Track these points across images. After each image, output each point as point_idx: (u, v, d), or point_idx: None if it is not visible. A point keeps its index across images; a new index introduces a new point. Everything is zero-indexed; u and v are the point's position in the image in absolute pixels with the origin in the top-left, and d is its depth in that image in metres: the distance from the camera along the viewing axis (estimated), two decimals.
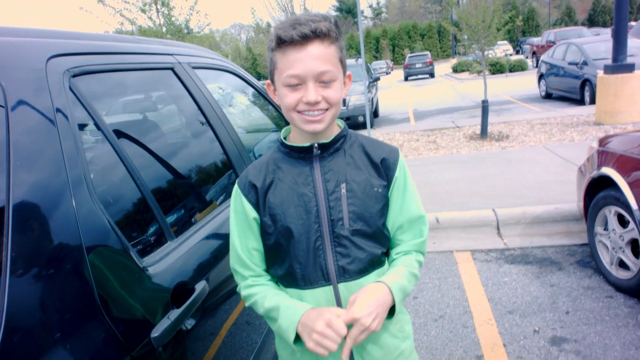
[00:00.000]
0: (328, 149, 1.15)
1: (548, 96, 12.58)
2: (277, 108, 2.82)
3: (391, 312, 1.12)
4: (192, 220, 1.54)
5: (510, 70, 22.30)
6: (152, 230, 1.30)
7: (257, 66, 32.55)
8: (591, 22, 50.35)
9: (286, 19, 1.07)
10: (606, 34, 14.89)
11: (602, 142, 3.37)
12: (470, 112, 12.06)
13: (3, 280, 0.81)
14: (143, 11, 9.05)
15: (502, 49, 31.38)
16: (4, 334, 0.78)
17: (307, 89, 1.04)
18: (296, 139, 1.17)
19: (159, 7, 9.19)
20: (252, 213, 1.16)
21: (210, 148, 1.84)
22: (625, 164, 2.94)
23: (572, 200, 4.20)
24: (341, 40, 1.10)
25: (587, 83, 10.13)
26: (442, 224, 4.38)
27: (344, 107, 10.48)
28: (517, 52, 39.14)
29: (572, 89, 10.92)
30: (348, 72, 1.15)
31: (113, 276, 1.02)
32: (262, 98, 2.82)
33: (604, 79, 7.76)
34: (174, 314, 1.14)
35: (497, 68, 22.13)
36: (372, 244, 1.16)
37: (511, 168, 5.85)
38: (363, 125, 9.67)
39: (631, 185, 2.82)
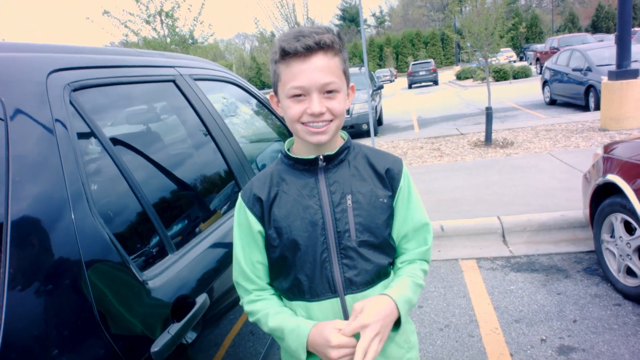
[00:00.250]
0: (333, 161, 1.15)
1: (552, 102, 12.56)
2: (279, 118, 2.82)
3: (397, 324, 1.11)
4: (194, 232, 1.54)
5: (514, 77, 22.26)
6: (152, 243, 1.30)
7: (261, 75, 32.79)
8: (595, 28, 50.29)
9: (289, 31, 1.08)
10: (610, 40, 14.86)
11: (607, 148, 3.34)
12: (474, 119, 12.04)
13: (1, 295, 0.81)
14: (147, 22, 9.12)
15: (505, 56, 31.41)
16: (2, 350, 0.77)
17: (312, 100, 1.05)
18: (300, 151, 1.17)
19: (163, 18, 9.26)
20: (257, 226, 1.16)
21: (212, 159, 1.84)
22: (631, 170, 2.92)
23: (578, 207, 4.16)
24: (344, 52, 1.11)
25: (591, 89, 10.11)
26: (447, 232, 4.35)
27: (348, 115, 10.52)
28: (521, 59, 39.12)
29: (577, 95, 10.89)
30: (351, 83, 1.16)
31: (112, 291, 1.01)
32: (264, 108, 2.83)
33: (608, 85, 7.74)
34: (175, 327, 1.13)
35: (501, 75, 22.11)
36: (378, 255, 1.16)
37: (516, 175, 5.82)
38: (367, 133, 9.68)
39: (637, 192, 2.79)
